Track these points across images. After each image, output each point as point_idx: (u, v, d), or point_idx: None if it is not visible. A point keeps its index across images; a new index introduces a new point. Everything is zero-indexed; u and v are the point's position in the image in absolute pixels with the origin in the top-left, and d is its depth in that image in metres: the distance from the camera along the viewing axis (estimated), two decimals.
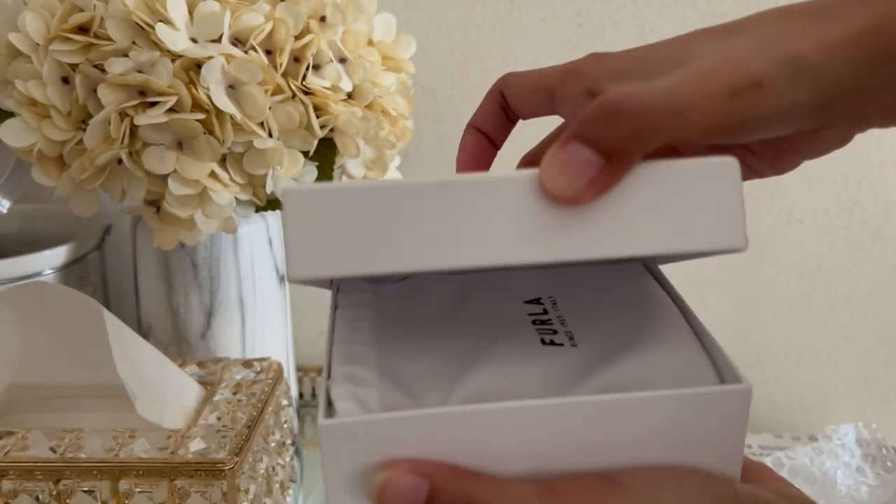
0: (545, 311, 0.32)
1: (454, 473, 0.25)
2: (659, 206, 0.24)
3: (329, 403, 0.27)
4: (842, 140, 0.30)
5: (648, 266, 0.34)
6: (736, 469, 0.26)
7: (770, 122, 0.26)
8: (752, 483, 0.27)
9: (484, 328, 0.31)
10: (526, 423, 0.25)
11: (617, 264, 0.34)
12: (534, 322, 0.31)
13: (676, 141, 0.25)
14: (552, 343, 0.30)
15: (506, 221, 0.24)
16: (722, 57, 0.26)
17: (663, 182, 0.24)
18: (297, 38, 0.48)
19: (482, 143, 0.35)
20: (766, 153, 0.32)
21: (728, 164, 0.25)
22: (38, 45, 0.47)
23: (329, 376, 0.28)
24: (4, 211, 0.60)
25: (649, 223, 0.24)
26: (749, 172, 0.33)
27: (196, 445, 0.42)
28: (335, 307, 0.33)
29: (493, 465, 0.25)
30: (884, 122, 0.29)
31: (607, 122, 0.24)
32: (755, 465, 0.29)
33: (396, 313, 0.33)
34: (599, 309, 0.32)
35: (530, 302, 0.33)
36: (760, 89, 0.25)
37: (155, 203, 0.51)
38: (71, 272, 0.59)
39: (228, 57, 0.46)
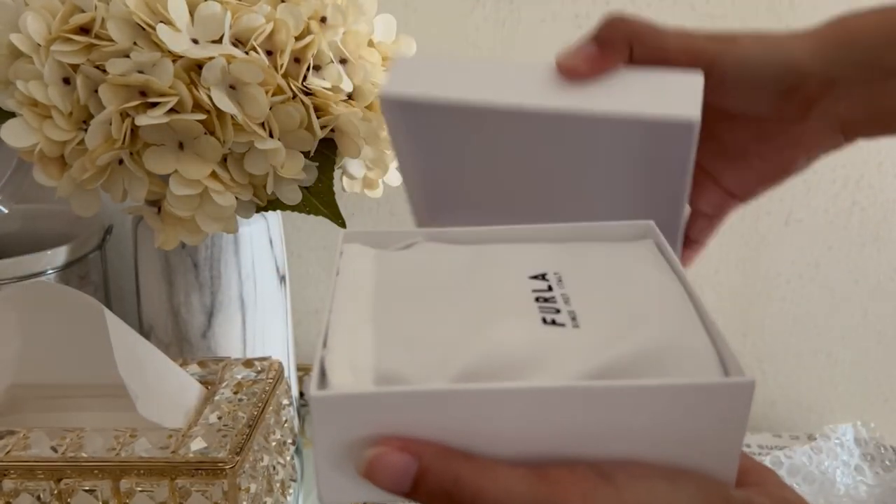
0: (550, 289, 0.31)
1: (444, 453, 0.25)
2: (637, 87, 0.35)
3: (322, 374, 0.26)
4: (832, 136, 0.36)
5: (661, 247, 0.33)
6: (732, 466, 0.26)
7: (740, 65, 0.35)
8: (752, 486, 0.27)
9: (486, 304, 0.30)
10: (519, 406, 0.25)
11: (628, 243, 0.34)
12: (537, 299, 0.30)
13: (656, 52, 0.35)
14: (554, 323, 0.28)
15: (529, 81, 0.36)
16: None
17: (643, 77, 0.35)
18: (297, 38, 0.48)
19: None
20: (767, 152, 0.36)
21: (697, 76, 0.35)
22: (39, 45, 0.47)
23: (325, 345, 0.27)
24: (6, 211, 0.60)
25: (628, 94, 0.35)
26: (758, 179, 0.39)
27: (197, 445, 0.42)
28: (337, 273, 0.32)
29: (486, 447, 0.25)
30: (868, 124, 0.35)
31: (605, 26, 0.36)
32: (759, 467, 0.28)
33: (398, 284, 0.32)
34: (606, 289, 0.31)
35: (536, 278, 0.31)
36: (734, 41, 0.35)
37: (156, 203, 0.51)
38: (72, 272, 0.60)
39: (229, 57, 0.46)
